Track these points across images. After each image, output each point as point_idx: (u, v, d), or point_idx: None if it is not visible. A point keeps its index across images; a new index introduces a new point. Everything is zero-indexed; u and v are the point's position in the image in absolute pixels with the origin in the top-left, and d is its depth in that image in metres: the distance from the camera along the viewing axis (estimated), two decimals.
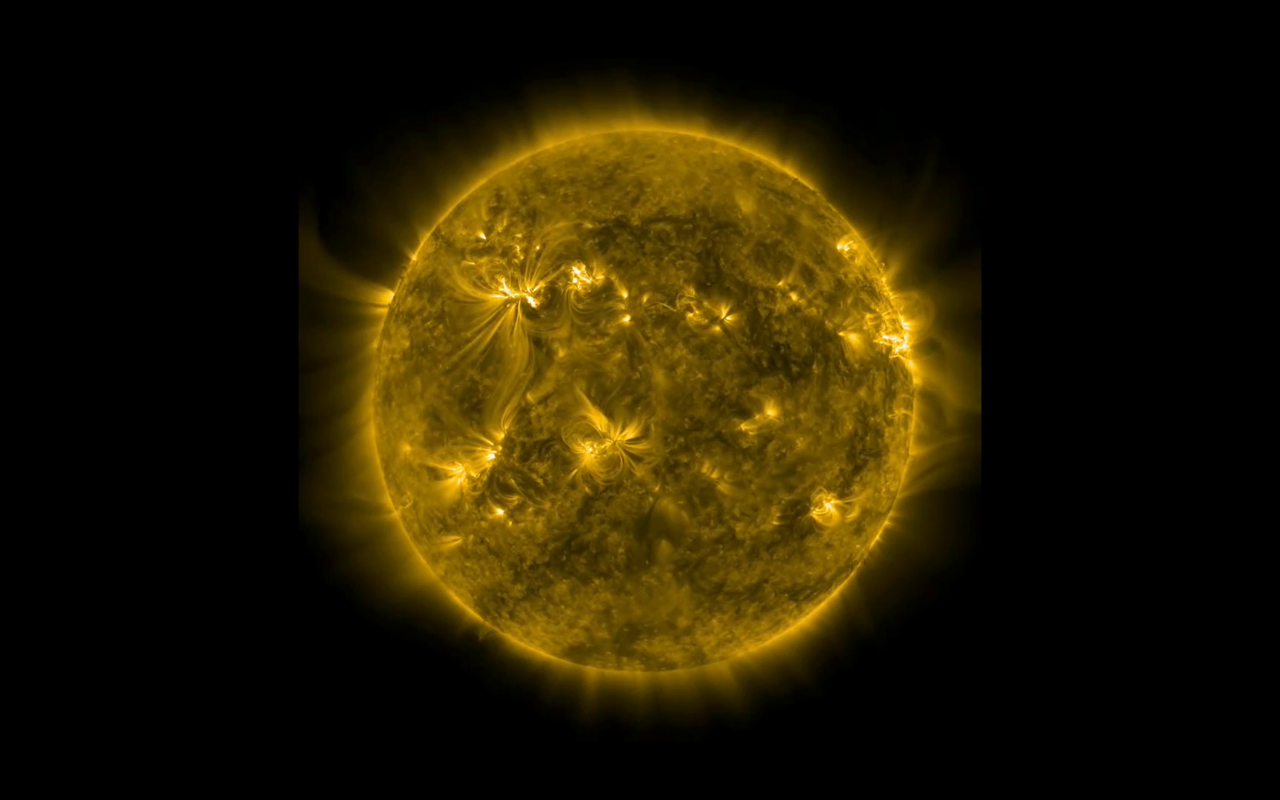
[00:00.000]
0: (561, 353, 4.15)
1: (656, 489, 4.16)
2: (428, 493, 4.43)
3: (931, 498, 4.75)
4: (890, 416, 4.51)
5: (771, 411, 4.19)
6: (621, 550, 4.23)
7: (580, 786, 4.76)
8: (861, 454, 4.41)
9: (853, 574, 4.74)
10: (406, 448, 4.44)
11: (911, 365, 4.65)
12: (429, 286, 4.46)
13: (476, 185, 4.68)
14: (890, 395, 4.50)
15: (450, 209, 4.68)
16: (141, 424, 4.18)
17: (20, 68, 4.16)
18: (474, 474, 4.31)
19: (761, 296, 4.24)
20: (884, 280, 4.67)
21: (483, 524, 4.35)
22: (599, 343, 4.13)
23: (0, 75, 4.15)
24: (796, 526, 4.34)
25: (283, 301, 4.35)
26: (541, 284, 4.22)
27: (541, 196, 4.39)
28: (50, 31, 4.18)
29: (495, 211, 4.44)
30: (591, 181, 4.39)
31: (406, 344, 4.45)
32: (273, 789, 4.29)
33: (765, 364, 4.19)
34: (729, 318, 4.18)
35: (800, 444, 4.24)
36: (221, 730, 4.24)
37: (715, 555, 4.27)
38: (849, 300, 4.42)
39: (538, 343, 4.17)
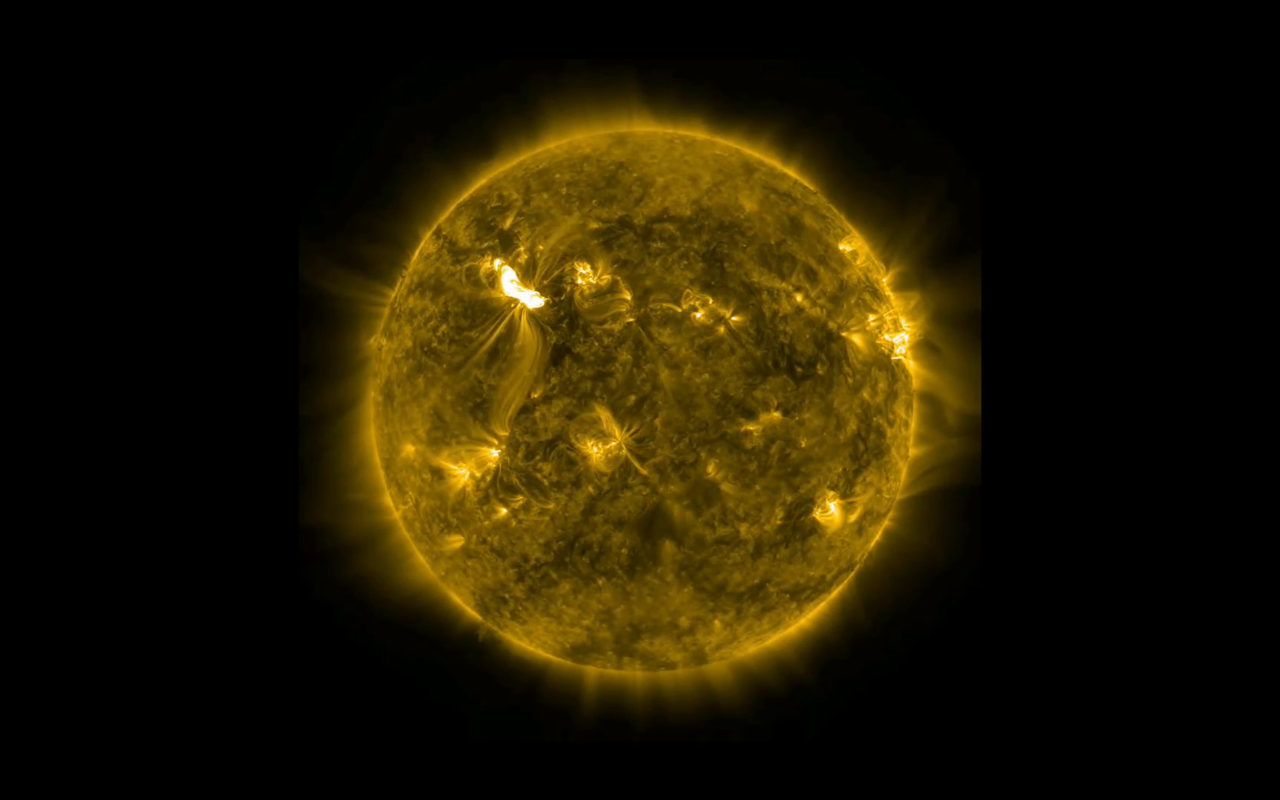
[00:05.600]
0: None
1: (661, 489, 4.16)
2: (431, 492, 4.42)
3: (931, 498, 4.77)
4: (892, 417, 4.52)
5: (776, 412, 4.20)
6: (625, 550, 4.23)
7: (580, 786, 4.75)
8: (864, 454, 4.42)
9: (853, 574, 4.75)
10: (410, 447, 4.43)
11: (912, 366, 4.67)
12: (431, 286, 4.46)
13: (478, 184, 4.68)
14: (892, 395, 4.51)
15: (451, 208, 4.68)
16: (142, 425, 4.17)
17: (21, 68, 4.14)
18: (477, 473, 4.30)
19: (766, 297, 4.24)
20: (885, 281, 4.68)
21: (486, 523, 4.34)
22: (604, 342, 4.13)
23: (1, 75, 4.14)
24: (800, 527, 4.35)
25: (283, 301, 4.34)
26: (546, 284, 4.22)
27: (545, 196, 4.39)
28: (51, 32, 4.17)
29: (499, 211, 4.44)
30: (595, 181, 4.39)
31: (409, 344, 4.45)
32: (274, 789, 4.28)
33: (770, 364, 4.19)
34: (734, 318, 4.18)
35: (804, 444, 4.25)
36: (223, 730, 4.23)
37: (718, 555, 4.28)
38: (852, 301, 4.43)
39: (542, 342, 4.17)
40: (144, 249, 4.19)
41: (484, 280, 4.31)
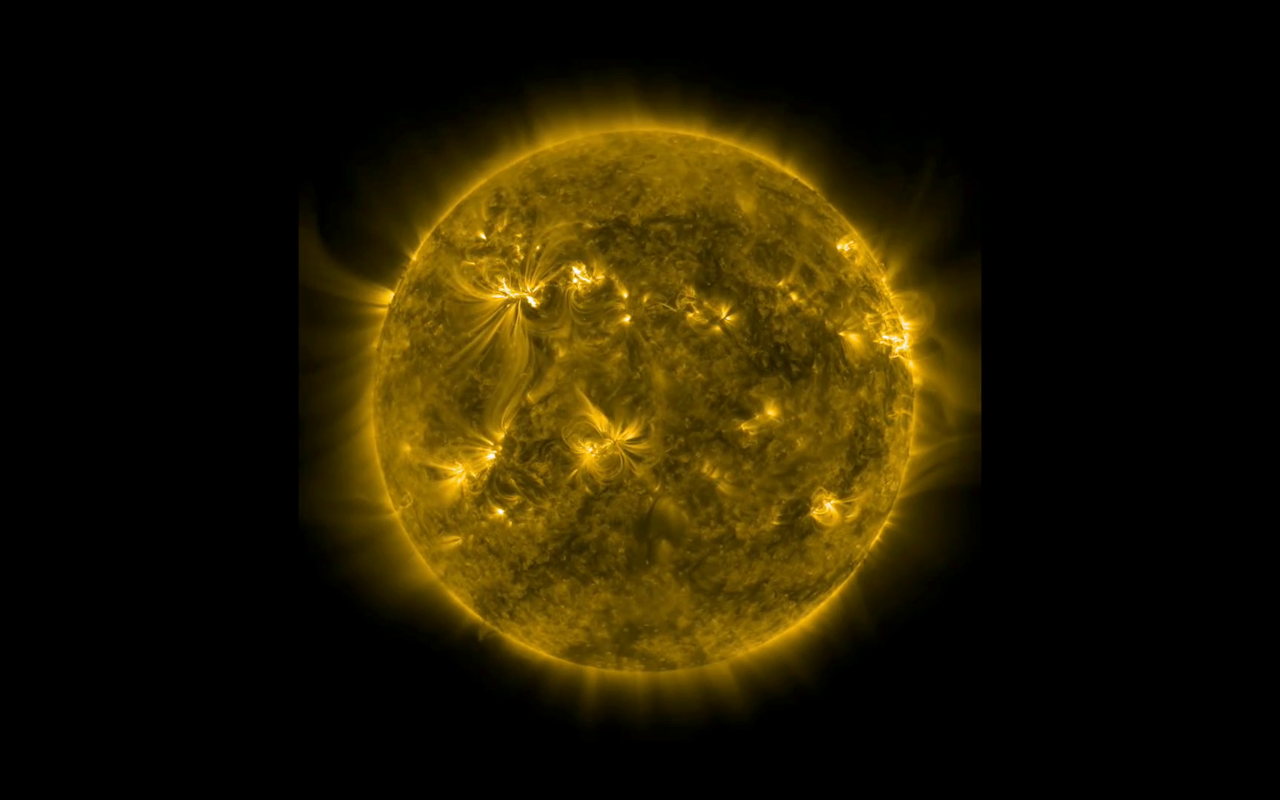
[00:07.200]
0: (562, 353, 4.15)
1: (656, 489, 4.16)
2: (428, 493, 4.43)
3: (931, 498, 4.75)
4: (890, 416, 4.51)
5: (771, 411, 4.19)
6: (621, 550, 4.24)
7: (580, 786, 4.76)
8: (862, 454, 4.41)
9: (853, 574, 4.74)
10: (406, 448, 4.44)
11: (911, 365, 4.65)
12: (429, 286, 4.46)
13: (476, 185, 4.68)
14: (890, 395, 4.50)
15: (450, 209, 4.69)
16: (142, 424, 4.18)
17: (20, 66, 4.16)
18: (474, 474, 4.31)
19: (761, 296, 4.24)
20: (884, 280, 4.67)
21: (483, 524, 4.35)
22: (599, 343, 4.13)
23: (0, 74, 4.15)
24: (796, 526, 4.35)
25: (283, 301, 4.35)
26: (541, 284, 4.22)
27: (542, 196, 4.39)
28: (51, 31, 4.18)
29: (495, 211, 4.45)
30: (592, 181, 4.40)
31: (406, 344, 4.46)
32: (273, 789, 4.29)
33: (765, 364, 4.19)
34: (729, 318, 4.18)
35: (800, 444, 4.24)
36: (222, 730, 4.24)
37: (715, 555, 4.27)
38: (849, 300, 4.42)
39: (538, 343, 4.17)
40: (144, 249, 4.20)
41: (480, 280, 4.32)
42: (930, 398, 4.73)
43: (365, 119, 4.65)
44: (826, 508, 4.39)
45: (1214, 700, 4.20)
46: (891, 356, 4.53)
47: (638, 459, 4.14)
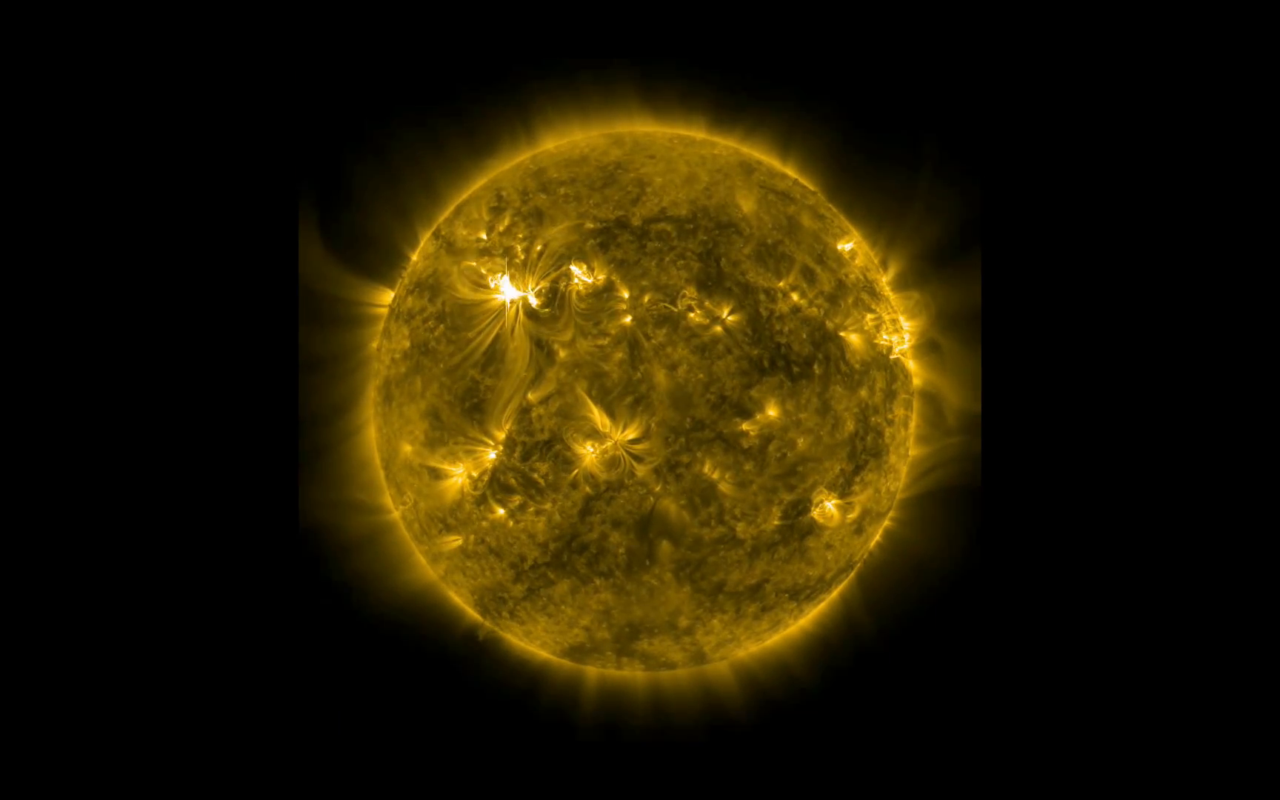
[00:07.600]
0: (562, 353, 4.15)
1: (657, 489, 4.16)
2: (428, 493, 4.43)
3: (931, 498, 4.76)
4: (891, 416, 4.51)
5: (772, 411, 4.19)
6: (622, 550, 4.24)
7: (580, 786, 4.76)
8: (862, 454, 4.41)
9: (853, 574, 4.74)
10: (407, 448, 4.44)
11: (911, 365, 4.66)
12: (429, 286, 4.46)
13: (477, 185, 4.68)
14: (891, 395, 4.51)
15: (450, 209, 4.69)
16: (141, 424, 4.18)
17: (20, 66, 4.16)
18: (474, 474, 4.31)
19: (762, 297, 4.24)
20: (884, 280, 4.67)
21: (483, 524, 4.35)
22: (600, 343, 4.13)
23: (0, 74, 4.15)
24: (797, 526, 4.35)
25: (283, 301, 4.34)
26: (542, 284, 4.22)
27: (542, 196, 4.39)
28: (50, 31, 4.18)
29: (496, 211, 4.45)
30: (592, 181, 4.40)
31: (407, 344, 4.45)
32: (273, 789, 4.28)
33: (766, 364, 4.19)
34: (730, 318, 4.18)
35: (801, 444, 4.24)
36: (222, 730, 4.24)
37: (716, 555, 4.28)
38: (850, 300, 4.42)
39: (539, 343, 4.17)
40: (144, 248, 4.20)
41: (481, 280, 4.32)
42: (930, 398, 4.73)
43: (365, 119, 4.65)
44: (827, 508, 4.39)
45: (1213, 699, 4.20)
46: (892, 356, 4.53)
47: (638, 459, 4.14)
